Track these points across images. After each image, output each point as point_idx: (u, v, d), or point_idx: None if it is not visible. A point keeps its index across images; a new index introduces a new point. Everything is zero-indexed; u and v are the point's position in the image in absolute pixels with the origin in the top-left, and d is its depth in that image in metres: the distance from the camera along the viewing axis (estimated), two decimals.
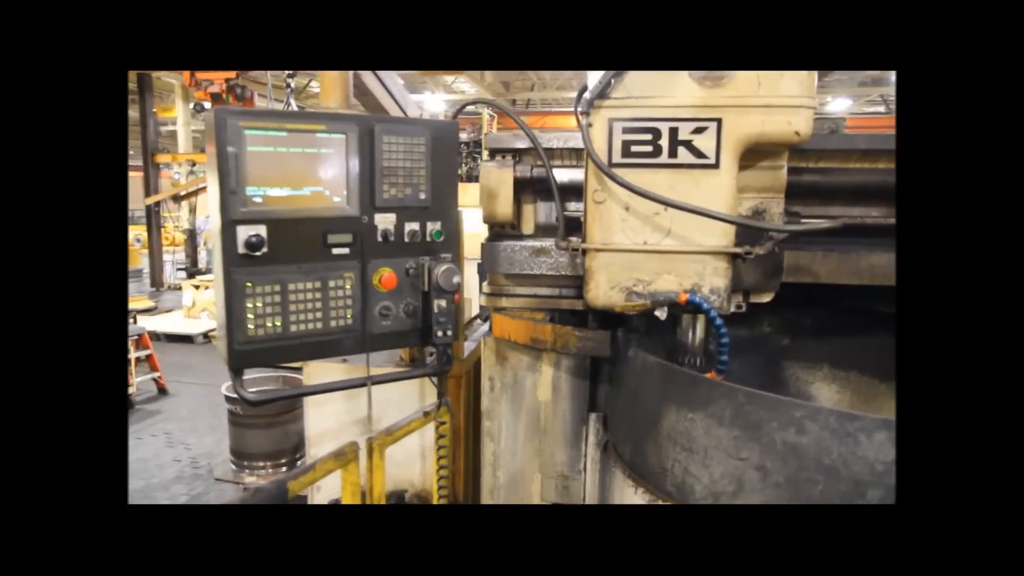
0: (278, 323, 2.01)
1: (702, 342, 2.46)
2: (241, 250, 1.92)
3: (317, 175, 2.01)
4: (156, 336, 10.47)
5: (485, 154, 2.95)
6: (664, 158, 2.21)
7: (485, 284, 3.06)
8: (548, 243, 2.80)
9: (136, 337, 10.03)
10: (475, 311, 4.66)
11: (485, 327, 4.32)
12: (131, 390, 9.67)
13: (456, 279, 2.22)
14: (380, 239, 2.15)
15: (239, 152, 1.88)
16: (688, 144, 2.16)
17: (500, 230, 2.97)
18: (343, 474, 2.14)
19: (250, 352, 1.98)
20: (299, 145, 1.97)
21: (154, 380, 10.39)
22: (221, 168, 1.87)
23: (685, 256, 2.27)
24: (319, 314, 2.08)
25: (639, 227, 2.34)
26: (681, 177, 2.20)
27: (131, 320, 11.51)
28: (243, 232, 1.92)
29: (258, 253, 1.94)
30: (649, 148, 2.23)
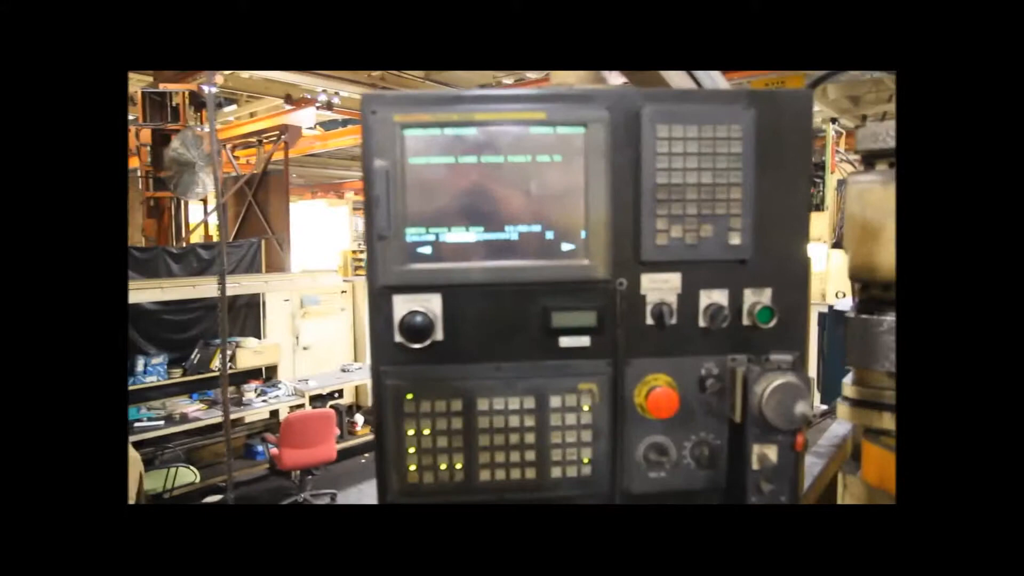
0: (458, 466, 1.15)
1: None
2: (397, 337, 1.10)
3: (531, 204, 1.10)
4: None
5: (848, 167, 1.73)
6: None
7: (849, 384, 1.81)
8: None
9: None
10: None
11: (835, 430, 2.90)
12: None
13: (801, 407, 1.09)
14: (651, 321, 1.15)
15: (394, 168, 1.06)
16: None
17: (880, 294, 1.71)
18: None
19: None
20: (498, 152, 1.08)
21: None
22: (367, 196, 1.08)
23: None
24: (531, 454, 1.15)
25: None
26: None
27: None
28: (401, 306, 1.10)
29: (426, 342, 1.10)
30: None
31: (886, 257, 1.62)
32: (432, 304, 1.11)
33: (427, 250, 1.09)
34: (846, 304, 1.76)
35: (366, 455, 9.15)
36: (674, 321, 1.13)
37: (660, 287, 1.14)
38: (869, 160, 1.69)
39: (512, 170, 1.09)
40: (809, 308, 1.21)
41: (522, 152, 1.08)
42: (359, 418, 9.21)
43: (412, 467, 1.13)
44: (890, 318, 1.67)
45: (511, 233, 1.10)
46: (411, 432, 1.13)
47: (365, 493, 8.13)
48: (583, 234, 1.10)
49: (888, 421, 1.73)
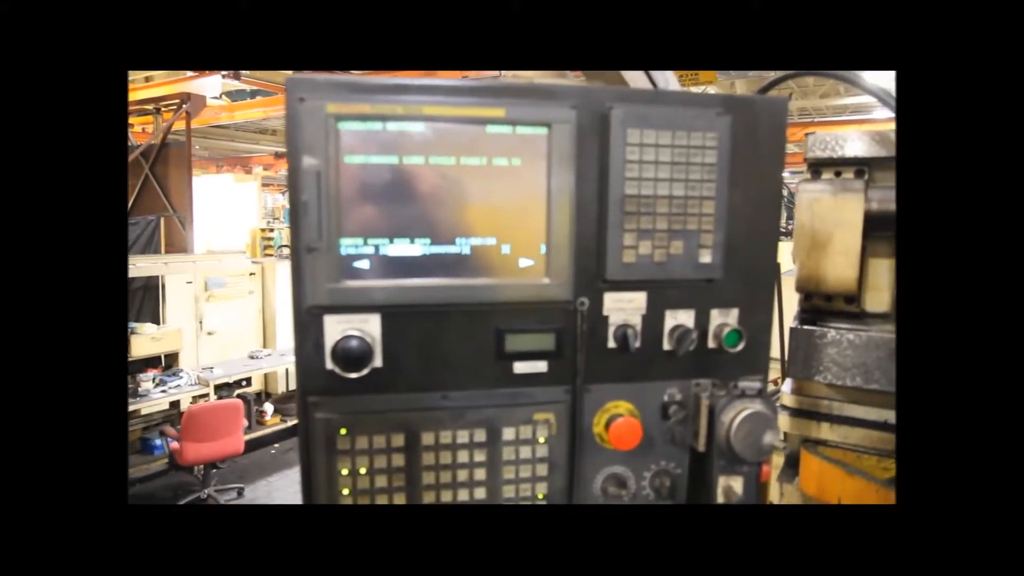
0: (400, 504, 1.01)
1: None
2: (329, 364, 0.95)
3: (484, 215, 0.97)
4: None
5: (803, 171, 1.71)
6: None
7: (787, 393, 1.80)
8: None
9: None
10: None
11: None
12: None
13: (769, 438, 1.02)
14: (613, 344, 1.05)
15: (327, 167, 0.90)
16: None
17: (824, 305, 1.70)
18: None
19: None
20: (448, 152, 0.94)
21: None
22: (294, 201, 0.92)
23: None
24: (481, 492, 1.03)
25: None
26: None
27: None
28: (334, 328, 0.95)
29: (363, 371, 0.95)
30: None
31: (832, 268, 1.59)
32: (370, 326, 0.96)
33: (364, 264, 0.94)
34: None
35: (276, 446, 8.77)
36: (638, 344, 1.04)
37: (624, 307, 1.04)
38: (816, 168, 1.66)
39: (465, 174, 0.95)
40: (771, 329, 1.14)
41: (477, 154, 0.95)
42: (268, 407, 8.79)
43: None
44: (833, 329, 1.66)
45: (462, 246, 0.96)
46: (345, 471, 0.98)
47: (275, 486, 7.80)
48: (543, 249, 0.99)
49: (827, 431, 1.73)
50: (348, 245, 0.93)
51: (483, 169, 0.95)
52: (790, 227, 1.87)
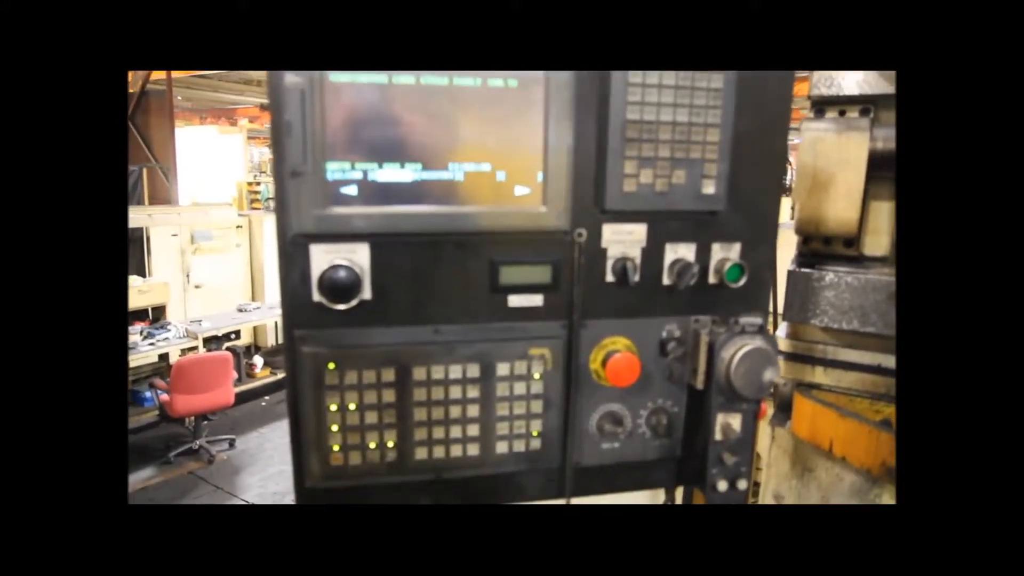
0: (390, 444, 0.99)
1: None
2: (316, 296, 0.91)
3: (478, 139, 0.92)
4: None
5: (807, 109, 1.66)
6: None
7: (782, 337, 1.79)
8: None
9: None
10: None
11: None
12: None
13: (770, 374, 1.00)
14: (611, 278, 1.01)
15: (311, 86, 0.85)
16: None
17: (822, 248, 1.67)
18: None
19: (332, 496, 0.99)
20: (441, 72, 0.88)
21: None
22: (276, 121, 0.86)
23: None
24: (475, 429, 1.01)
25: None
26: None
27: None
28: (321, 258, 0.91)
29: (351, 302, 0.92)
30: None
31: (834, 209, 1.56)
32: (358, 256, 0.92)
33: (352, 190, 0.89)
34: None
35: (266, 398, 8.79)
36: (635, 277, 1.00)
37: (624, 239, 1.00)
38: (820, 107, 1.61)
39: (458, 95, 0.89)
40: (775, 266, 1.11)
41: (471, 78, 0.89)
42: (258, 360, 8.78)
43: (335, 447, 0.97)
44: (830, 272, 1.63)
45: (455, 172, 0.91)
46: (334, 407, 0.95)
47: (266, 438, 7.85)
48: (540, 176, 0.94)
49: (820, 375, 1.72)
50: (335, 170, 0.88)
51: (477, 90, 0.90)
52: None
